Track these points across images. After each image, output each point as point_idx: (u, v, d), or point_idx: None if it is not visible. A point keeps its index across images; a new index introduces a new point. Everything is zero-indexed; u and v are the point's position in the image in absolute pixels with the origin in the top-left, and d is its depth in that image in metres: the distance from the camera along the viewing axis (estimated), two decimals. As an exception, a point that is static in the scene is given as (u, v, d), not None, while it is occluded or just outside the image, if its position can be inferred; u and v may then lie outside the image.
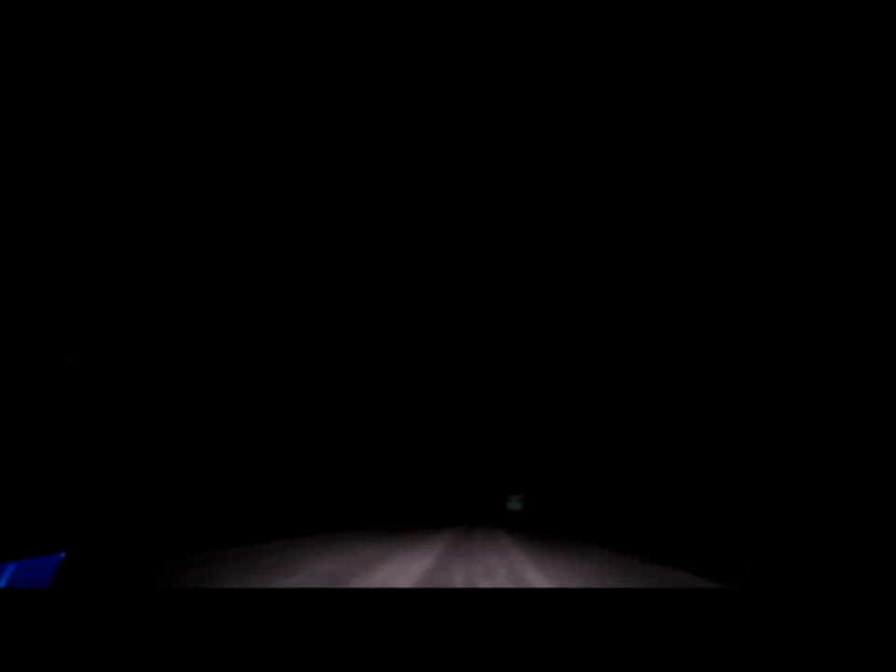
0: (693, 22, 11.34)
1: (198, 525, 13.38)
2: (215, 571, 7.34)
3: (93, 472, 10.52)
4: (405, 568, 8.78)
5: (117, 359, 11.73)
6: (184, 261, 14.38)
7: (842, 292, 9.71)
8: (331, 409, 24.60)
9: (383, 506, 32.97)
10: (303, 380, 21.97)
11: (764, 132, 11.74)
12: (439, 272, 24.83)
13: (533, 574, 8.56)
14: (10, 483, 8.61)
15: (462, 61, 13.82)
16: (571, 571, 8.56)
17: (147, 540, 10.84)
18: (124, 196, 12.16)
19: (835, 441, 9.24)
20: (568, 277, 23.25)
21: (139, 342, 12.49)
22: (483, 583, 7.62)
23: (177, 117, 13.08)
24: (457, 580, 7.87)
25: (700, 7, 10.96)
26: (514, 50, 13.41)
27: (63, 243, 10.56)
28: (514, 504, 42.41)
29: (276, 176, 16.80)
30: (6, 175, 9.52)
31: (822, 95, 10.21)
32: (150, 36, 11.38)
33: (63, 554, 4.16)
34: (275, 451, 18.73)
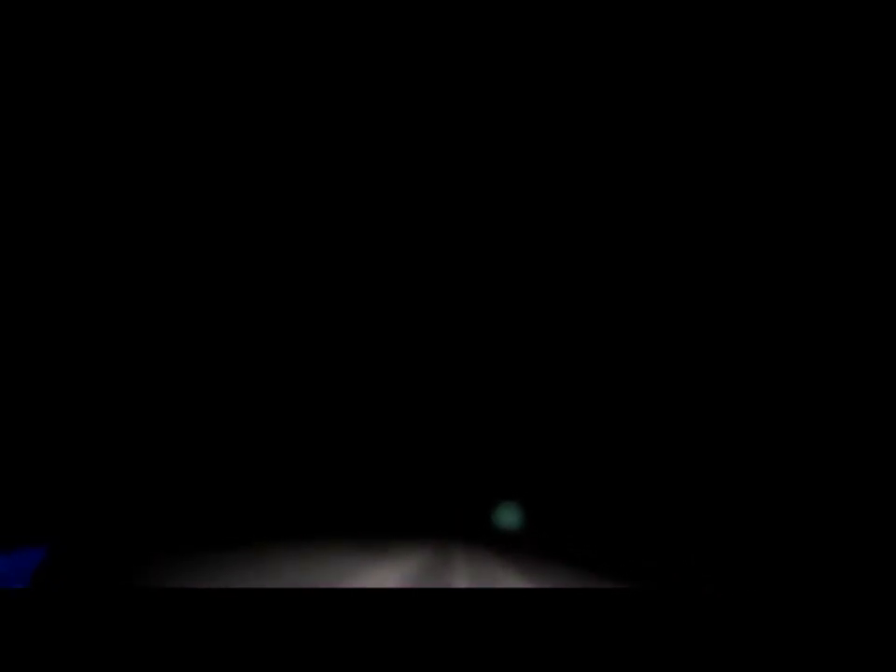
0: (694, 23, 11.32)
1: (185, 520, 13.33)
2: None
3: (80, 464, 10.49)
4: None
5: (108, 352, 11.72)
6: (176, 259, 14.38)
7: (835, 296, 9.68)
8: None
9: (329, 505, 26.91)
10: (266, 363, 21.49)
11: (764, 132, 11.71)
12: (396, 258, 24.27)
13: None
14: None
15: (463, 61, 13.80)
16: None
17: (135, 535, 10.79)
18: (124, 196, 12.16)
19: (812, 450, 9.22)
20: (549, 268, 23.19)
21: (130, 338, 12.49)
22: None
23: (178, 117, 13.09)
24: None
25: (700, 7, 10.95)
26: (515, 51, 13.39)
27: (63, 242, 10.56)
28: (506, 516, 29.60)
29: (275, 176, 16.80)
30: (6, 176, 9.53)
31: (822, 95, 10.18)
32: (152, 37, 11.39)
33: (43, 549, 4.09)
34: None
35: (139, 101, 11.99)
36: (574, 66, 13.49)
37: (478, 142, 17.08)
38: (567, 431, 32.12)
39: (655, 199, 16.10)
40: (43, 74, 10.03)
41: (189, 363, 14.60)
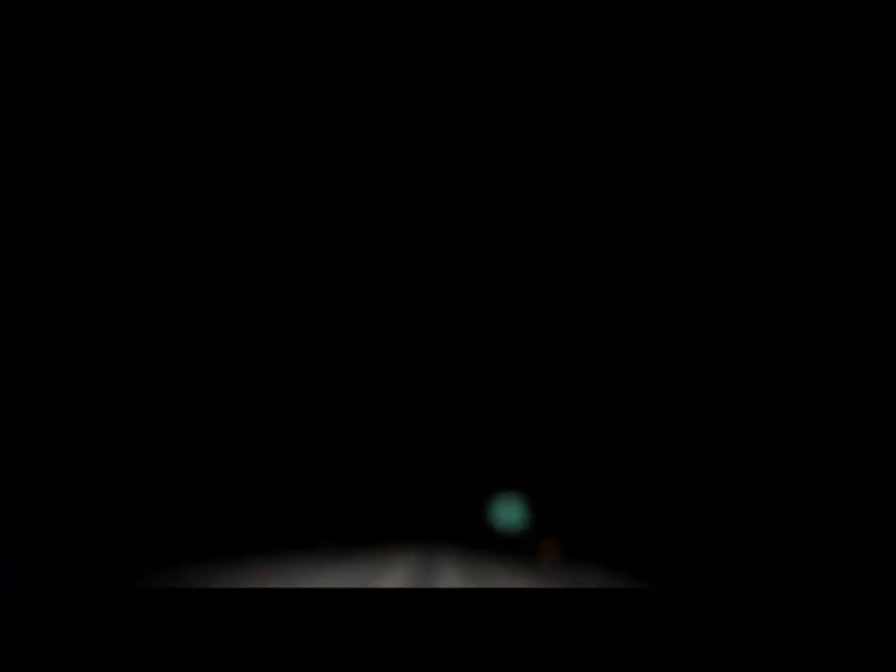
0: (694, 23, 11.31)
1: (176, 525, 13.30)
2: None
3: (80, 465, 10.49)
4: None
5: (109, 355, 11.72)
6: (177, 262, 14.37)
7: (829, 300, 9.67)
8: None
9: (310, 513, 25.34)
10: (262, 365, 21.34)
11: (765, 132, 11.70)
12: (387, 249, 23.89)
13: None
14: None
15: (463, 60, 13.79)
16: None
17: (132, 538, 10.78)
18: (124, 196, 12.15)
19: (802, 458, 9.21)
20: (555, 269, 23.16)
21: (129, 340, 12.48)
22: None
23: (178, 117, 13.08)
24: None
25: (701, 7, 10.94)
26: (516, 50, 13.38)
27: (64, 245, 10.55)
28: (506, 514, 24.54)
29: (276, 176, 16.79)
30: (6, 176, 9.52)
31: (822, 95, 10.18)
32: (152, 37, 11.38)
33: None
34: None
35: (139, 101, 11.98)
36: (574, 67, 13.48)
37: (478, 143, 17.06)
38: (567, 431, 32.02)
39: (655, 199, 16.09)
40: (43, 74, 10.01)
41: (175, 363, 14.58)
